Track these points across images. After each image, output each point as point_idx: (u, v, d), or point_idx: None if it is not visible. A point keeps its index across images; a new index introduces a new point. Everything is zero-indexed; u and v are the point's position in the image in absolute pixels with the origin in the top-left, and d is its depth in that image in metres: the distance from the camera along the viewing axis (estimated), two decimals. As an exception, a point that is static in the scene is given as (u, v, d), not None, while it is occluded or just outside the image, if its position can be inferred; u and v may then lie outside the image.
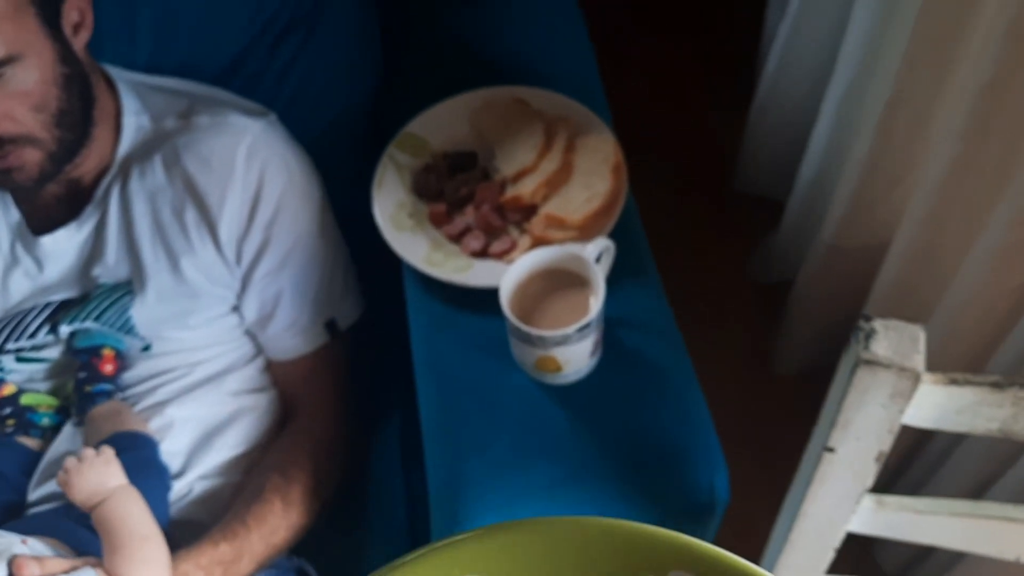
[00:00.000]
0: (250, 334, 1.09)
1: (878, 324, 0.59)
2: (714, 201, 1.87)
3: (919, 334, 0.59)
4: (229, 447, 1.03)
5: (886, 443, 0.62)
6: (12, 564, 0.79)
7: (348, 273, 1.14)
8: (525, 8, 1.23)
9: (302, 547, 1.05)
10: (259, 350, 1.10)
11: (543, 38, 1.21)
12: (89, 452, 0.89)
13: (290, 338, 1.09)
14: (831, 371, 0.77)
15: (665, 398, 0.94)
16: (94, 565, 0.83)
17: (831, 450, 0.64)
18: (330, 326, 1.10)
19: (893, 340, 0.58)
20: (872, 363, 0.58)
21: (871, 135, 1.23)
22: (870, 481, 0.67)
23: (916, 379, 0.57)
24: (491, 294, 0.97)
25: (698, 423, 0.93)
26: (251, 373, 1.09)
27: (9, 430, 1.01)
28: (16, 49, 0.90)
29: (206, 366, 1.05)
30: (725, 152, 1.88)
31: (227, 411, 1.05)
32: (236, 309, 1.07)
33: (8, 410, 1.01)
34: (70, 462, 0.88)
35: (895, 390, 0.58)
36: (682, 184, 1.88)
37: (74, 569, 0.81)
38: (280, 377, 1.11)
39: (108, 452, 0.89)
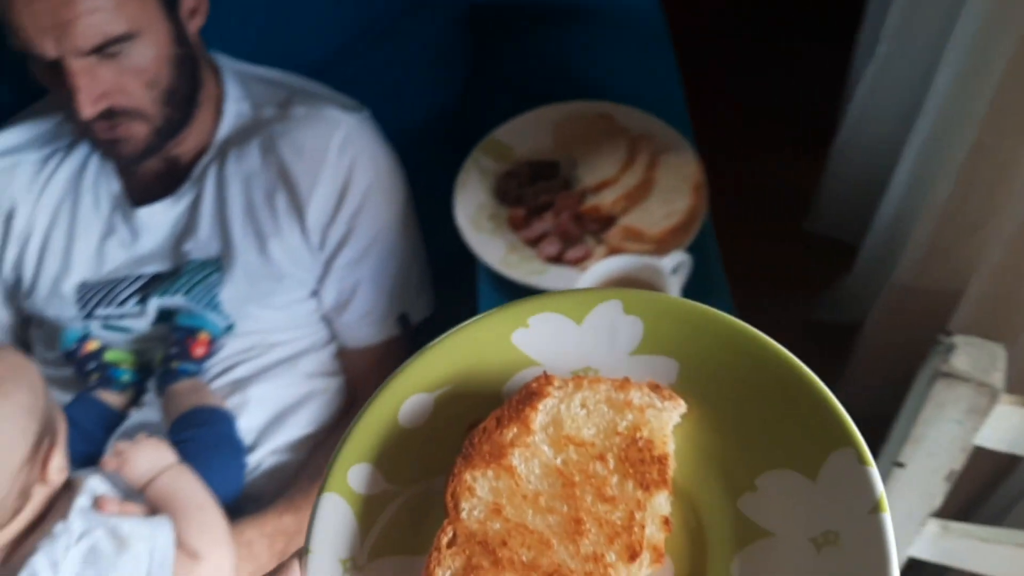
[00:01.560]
0: (326, 320, 1.13)
1: (959, 339, 0.59)
2: (786, 239, 1.87)
3: (999, 352, 0.59)
4: (299, 426, 1.06)
5: (958, 461, 0.61)
6: (97, 498, 0.82)
7: (424, 271, 1.17)
8: (617, 29, 1.26)
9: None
10: (333, 336, 1.13)
11: (632, 58, 1.23)
12: (141, 435, 0.93)
13: (363, 327, 1.11)
14: (891, 419, 0.76)
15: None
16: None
17: (901, 465, 0.64)
18: (402, 320, 1.13)
19: (973, 356, 0.58)
20: (950, 376, 0.58)
21: (952, 181, 1.22)
22: (938, 502, 0.66)
23: (994, 396, 0.57)
24: (563, 300, 0.99)
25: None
26: (324, 357, 1.12)
27: (92, 384, 1.05)
28: (136, 27, 0.95)
29: (283, 347, 1.09)
30: (801, 191, 1.87)
31: (300, 392, 1.08)
32: (315, 294, 1.11)
33: (92, 365, 1.06)
34: (122, 444, 0.92)
35: (971, 406, 0.57)
36: (755, 220, 1.87)
37: (151, 515, 0.85)
38: (349, 364, 1.14)
39: (155, 438, 0.94)
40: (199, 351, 1.05)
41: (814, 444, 0.39)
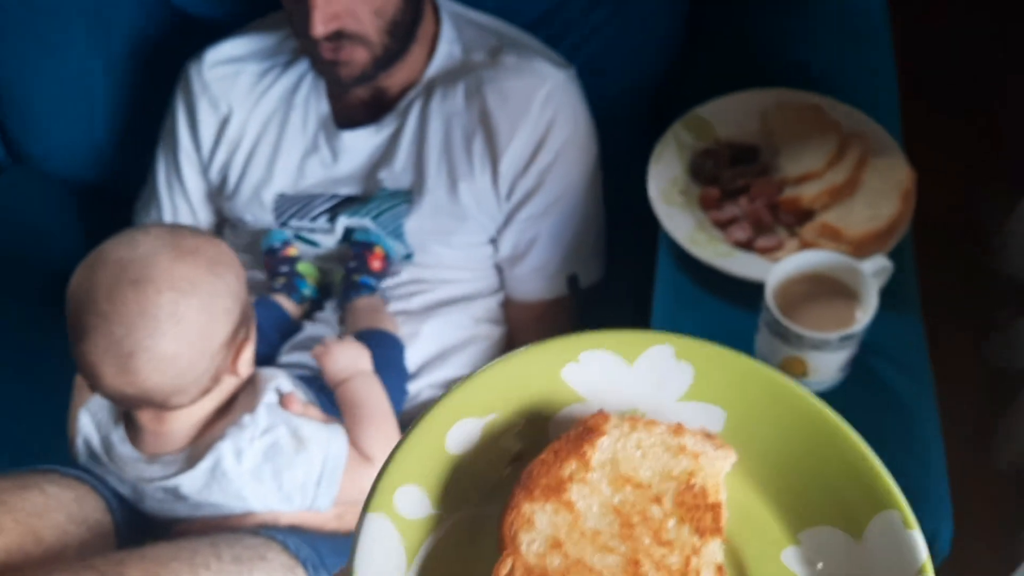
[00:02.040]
0: (498, 268, 1.14)
1: None
2: (963, 276, 1.77)
3: None
4: (459, 366, 1.09)
5: None
6: (283, 396, 0.87)
7: (600, 235, 1.16)
8: (837, 20, 1.21)
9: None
10: (502, 285, 1.15)
11: (850, 53, 1.18)
12: (349, 337, 0.97)
13: (533, 281, 1.12)
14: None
15: (905, 436, 0.90)
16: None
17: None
18: (572, 281, 1.13)
19: None
20: None
21: None
22: None
23: None
24: (743, 286, 0.97)
25: (935, 471, 0.89)
26: (492, 305, 1.14)
27: (278, 286, 1.11)
28: None
29: (456, 286, 1.11)
30: (987, 230, 1.76)
31: (466, 335, 1.10)
32: (493, 242, 1.12)
33: (285, 268, 1.11)
34: (331, 339, 0.96)
35: None
36: (936, 253, 1.78)
37: (329, 421, 0.88)
38: (513, 316, 1.15)
39: (363, 346, 0.97)
40: (375, 264, 1.09)
41: (859, 504, 0.39)
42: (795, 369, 0.89)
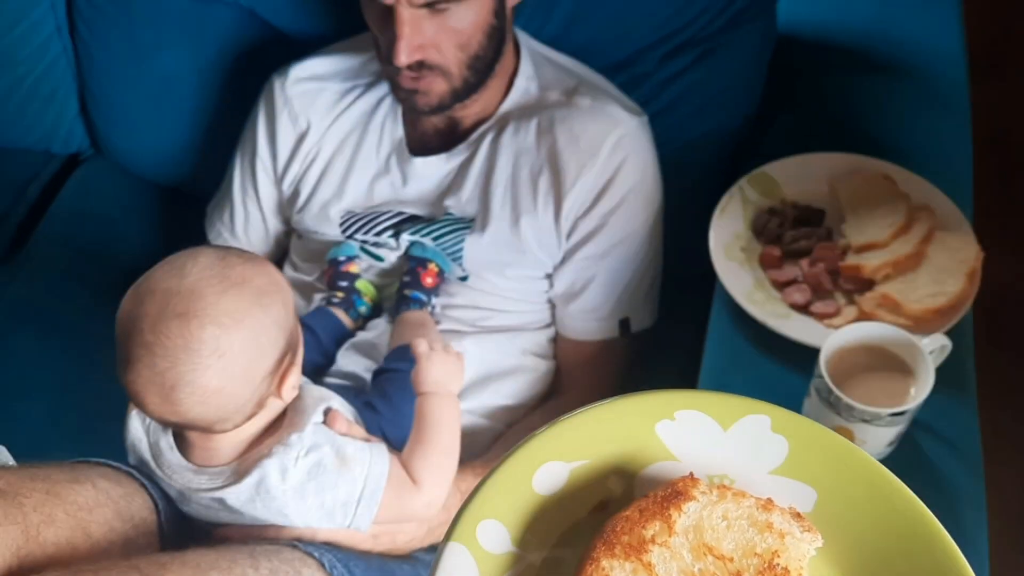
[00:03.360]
0: (552, 303, 1.15)
1: None
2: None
3: None
4: (501, 395, 1.10)
5: None
6: (327, 415, 0.88)
7: (655, 282, 1.17)
8: (918, 92, 1.21)
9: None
10: (553, 321, 1.16)
11: (926, 122, 1.18)
12: (452, 349, 0.97)
13: (585, 322, 1.13)
14: None
15: (949, 518, 0.88)
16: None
17: None
18: (623, 324, 1.14)
19: None
20: None
21: None
22: None
23: None
24: (797, 348, 0.96)
25: (977, 557, 0.87)
26: (541, 339, 1.15)
27: (336, 300, 1.13)
28: None
29: (507, 316, 1.13)
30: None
31: (511, 363, 1.11)
32: (549, 277, 1.14)
33: (345, 283, 1.14)
34: (437, 344, 0.95)
35: None
36: (994, 334, 1.74)
37: (371, 440, 0.90)
38: (562, 353, 1.16)
39: (463, 361, 0.97)
40: (428, 280, 1.11)
41: None
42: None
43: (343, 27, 1.25)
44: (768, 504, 0.42)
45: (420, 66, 1.04)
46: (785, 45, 1.26)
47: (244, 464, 0.84)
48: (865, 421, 0.85)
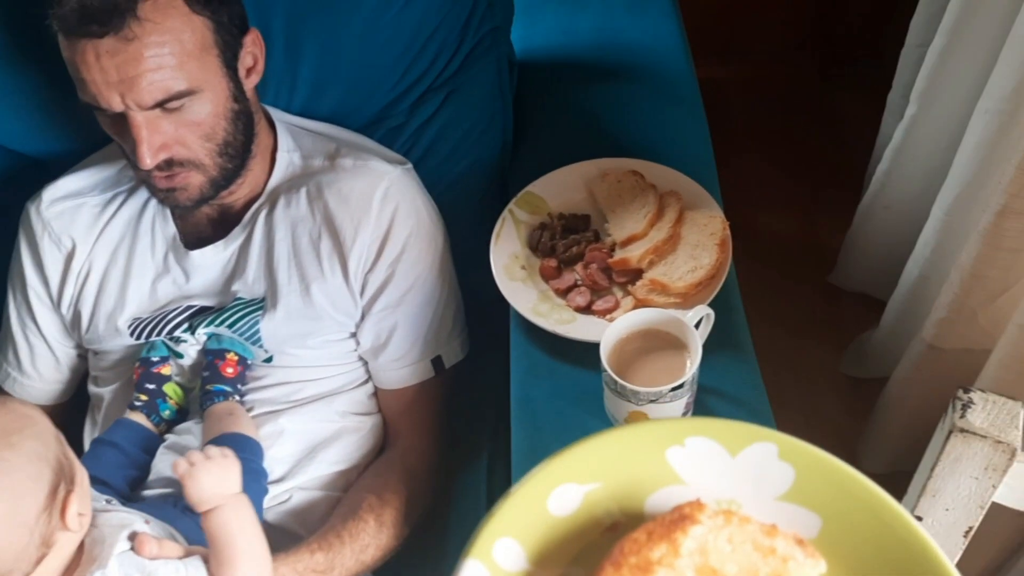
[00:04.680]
0: (363, 360, 1.18)
1: (976, 396, 0.62)
2: (814, 295, 1.89)
3: (1019, 411, 0.61)
4: (330, 463, 1.11)
5: (975, 518, 0.63)
6: (135, 540, 0.86)
7: (458, 316, 1.21)
8: (651, 90, 1.31)
9: (383, 571, 1.10)
10: (369, 376, 1.18)
11: (664, 117, 1.28)
12: (215, 451, 0.92)
13: (398, 369, 1.16)
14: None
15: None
16: (204, 557, 0.89)
17: (918, 519, 0.66)
18: (436, 363, 1.18)
19: (991, 413, 0.60)
20: (967, 432, 0.60)
21: (979, 243, 1.24)
22: (955, 558, 0.68)
23: (1012, 454, 0.59)
24: (590, 348, 1.02)
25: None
26: (359, 397, 1.16)
27: (138, 404, 1.10)
28: (197, 84, 1.01)
29: (319, 384, 1.14)
30: (829, 249, 1.90)
31: (333, 428, 1.12)
32: (354, 335, 1.16)
33: (152, 386, 1.11)
34: (195, 456, 0.92)
35: (989, 463, 0.60)
36: (784, 276, 1.91)
37: (187, 555, 0.88)
38: (384, 404, 1.18)
39: (231, 457, 0.93)
40: (228, 371, 1.10)
41: None
42: (639, 421, 0.95)
43: (92, 141, 1.23)
44: (772, 529, 0.42)
45: (170, 164, 1.04)
46: (528, 71, 1.35)
47: None
48: (652, 401, 0.92)
